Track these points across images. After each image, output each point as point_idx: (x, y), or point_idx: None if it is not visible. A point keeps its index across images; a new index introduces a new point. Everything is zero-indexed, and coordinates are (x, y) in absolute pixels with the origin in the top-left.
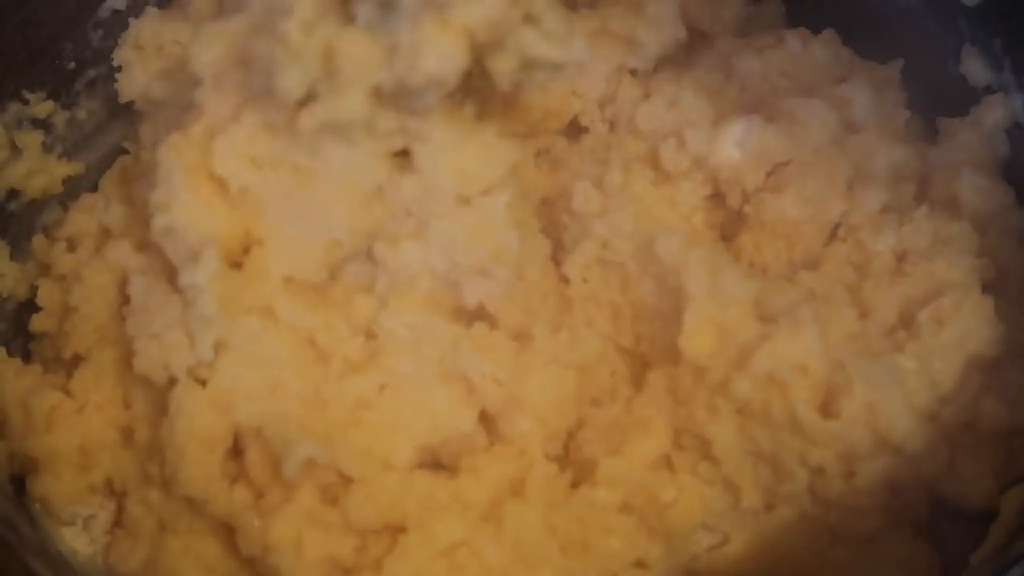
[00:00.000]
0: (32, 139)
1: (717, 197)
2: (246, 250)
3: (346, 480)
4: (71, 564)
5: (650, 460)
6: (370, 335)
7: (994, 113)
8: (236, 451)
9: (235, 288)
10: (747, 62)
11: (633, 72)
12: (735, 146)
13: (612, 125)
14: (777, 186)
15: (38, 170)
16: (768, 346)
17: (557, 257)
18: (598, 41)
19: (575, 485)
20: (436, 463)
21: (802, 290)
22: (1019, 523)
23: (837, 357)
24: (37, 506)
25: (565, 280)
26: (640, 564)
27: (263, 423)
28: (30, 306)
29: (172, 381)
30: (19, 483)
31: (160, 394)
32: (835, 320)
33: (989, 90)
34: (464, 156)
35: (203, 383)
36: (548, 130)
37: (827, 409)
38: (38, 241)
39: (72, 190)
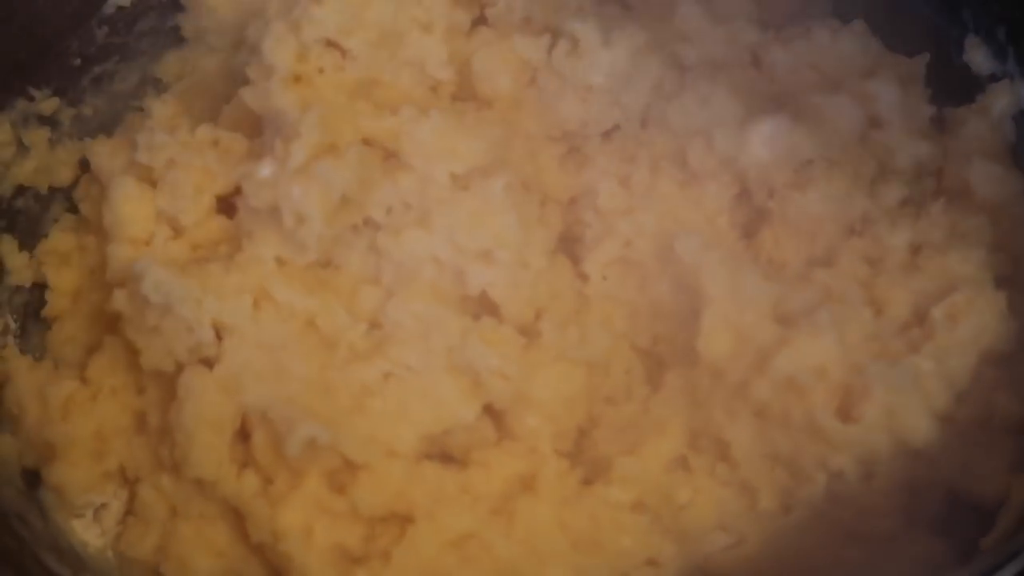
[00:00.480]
0: (39, 136)
1: (743, 195)
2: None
3: (353, 468)
4: (82, 558)
5: (666, 461)
6: (376, 324)
7: (1001, 100)
8: (244, 436)
9: (219, 270)
10: (774, 55)
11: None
12: (763, 146)
13: (644, 123)
14: (802, 183)
15: (45, 166)
16: (787, 349)
17: (577, 255)
18: (645, 52)
19: (588, 482)
20: (446, 456)
21: (819, 290)
22: None
23: (855, 360)
24: (51, 497)
25: (584, 278)
26: (652, 562)
27: (268, 405)
28: (40, 299)
29: (181, 366)
30: (30, 479)
31: (171, 379)
32: (852, 320)
33: (993, 79)
34: (449, 137)
35: (211, 366)
36: (586, 135)
37: (846, 413)
38: (51, 233)
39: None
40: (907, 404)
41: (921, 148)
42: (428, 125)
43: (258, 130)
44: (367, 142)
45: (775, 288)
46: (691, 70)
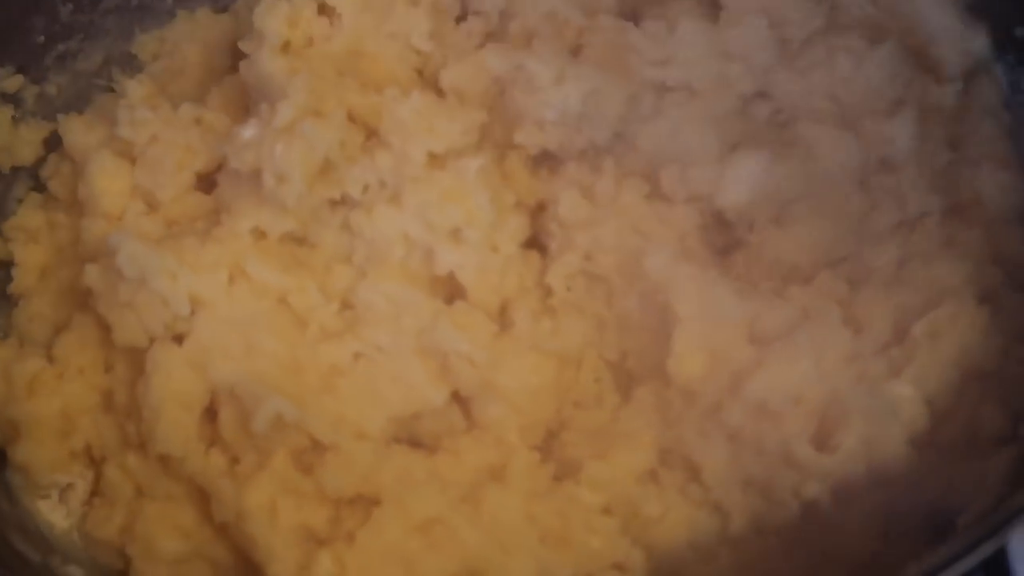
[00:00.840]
0: (2, 114)
1: (716, 221)
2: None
3: (320, 448)
4: (49, 539)
5: (636, 472)
6: (348, 304)
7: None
8: (213, 414)
9: (195, 244)
10: (782, 81)
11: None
12: (741, 186)
13: (617, 138)
14: (783, 222)
15: (8, 145)
16: (761, 373)
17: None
18: (602, 93)
19: (558, 479)
20: (415, 442)
21: (795, 308)
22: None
23: (833, 385)
24: (17, 478)
25: (549, 290)
26: (619, 567)
27: (236, 381)
28: (5, 278)
29: (153, 342)
30: None
31: (140, 357)
32: (830, 341)
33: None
34: (429, 116)
35: (180, 341)
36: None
37: (822, 441)
38: (19, 210)
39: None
40: (886, 435)
41: (931, 203)
42: (409, 104)
43: (244, 111)
44: (351, 118)
45: (749, 306)
46: (672, 92)
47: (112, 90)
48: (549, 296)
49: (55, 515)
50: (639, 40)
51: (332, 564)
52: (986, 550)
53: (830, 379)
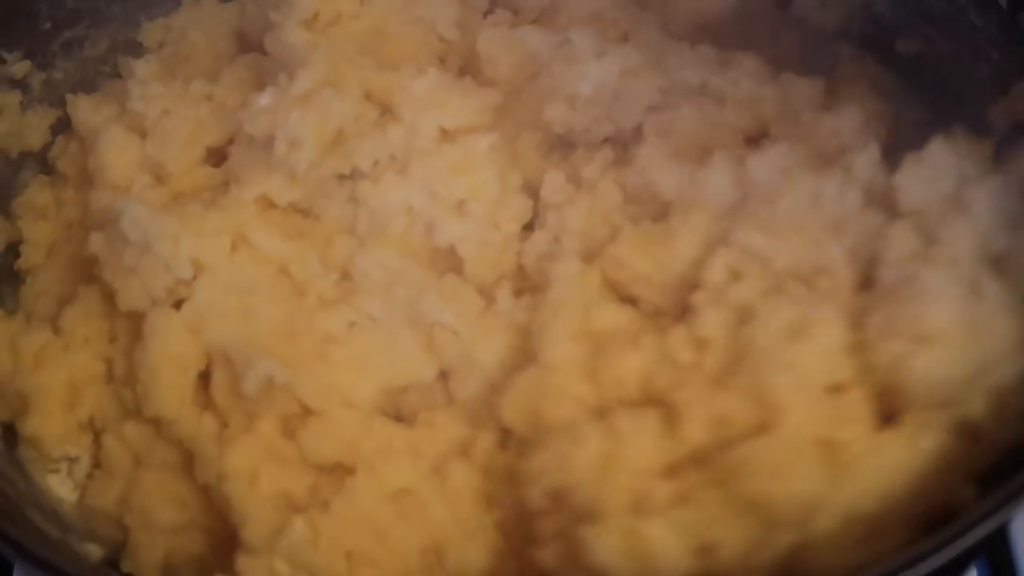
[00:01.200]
0: (10, 99)
1: None
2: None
3: (307, 414)
4: (61, 515)
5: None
6: (347, 275)
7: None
8: (208, 378)
9: (199, 211)
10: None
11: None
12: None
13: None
14: (614, 232)
15: (16, 130)
16: (546, 453)
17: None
18: (637, 74)
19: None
20: (398, 415)
21: (637, 384)
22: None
23: (602, 496)
24: (28, 453)
25: (522, 269)
26: None
27: (230, 343)
28: (10, 261)
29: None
30: (9, 438)
31: (143, 324)
32: (638, 435)
33: None
34: (443, 93)
35: (179, 306)
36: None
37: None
38: (27, 190)
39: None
40: None
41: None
42: (424, 81)
43: (256, 90)
44: (367, 96)
45: (589, 348)
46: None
47: (119, 76)
48: (524, 280)
49: (64, 489)
50: (684, 48)
51: (306, 529)
52: (988, 527)
53: (604, 486)
